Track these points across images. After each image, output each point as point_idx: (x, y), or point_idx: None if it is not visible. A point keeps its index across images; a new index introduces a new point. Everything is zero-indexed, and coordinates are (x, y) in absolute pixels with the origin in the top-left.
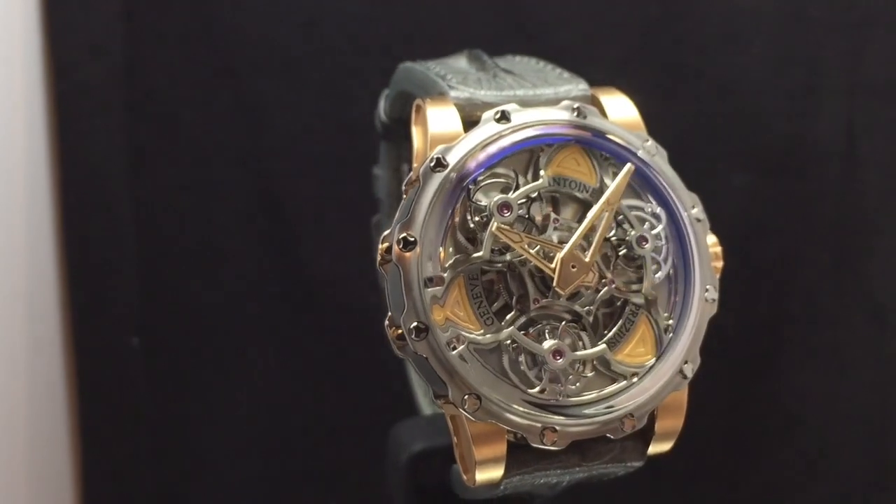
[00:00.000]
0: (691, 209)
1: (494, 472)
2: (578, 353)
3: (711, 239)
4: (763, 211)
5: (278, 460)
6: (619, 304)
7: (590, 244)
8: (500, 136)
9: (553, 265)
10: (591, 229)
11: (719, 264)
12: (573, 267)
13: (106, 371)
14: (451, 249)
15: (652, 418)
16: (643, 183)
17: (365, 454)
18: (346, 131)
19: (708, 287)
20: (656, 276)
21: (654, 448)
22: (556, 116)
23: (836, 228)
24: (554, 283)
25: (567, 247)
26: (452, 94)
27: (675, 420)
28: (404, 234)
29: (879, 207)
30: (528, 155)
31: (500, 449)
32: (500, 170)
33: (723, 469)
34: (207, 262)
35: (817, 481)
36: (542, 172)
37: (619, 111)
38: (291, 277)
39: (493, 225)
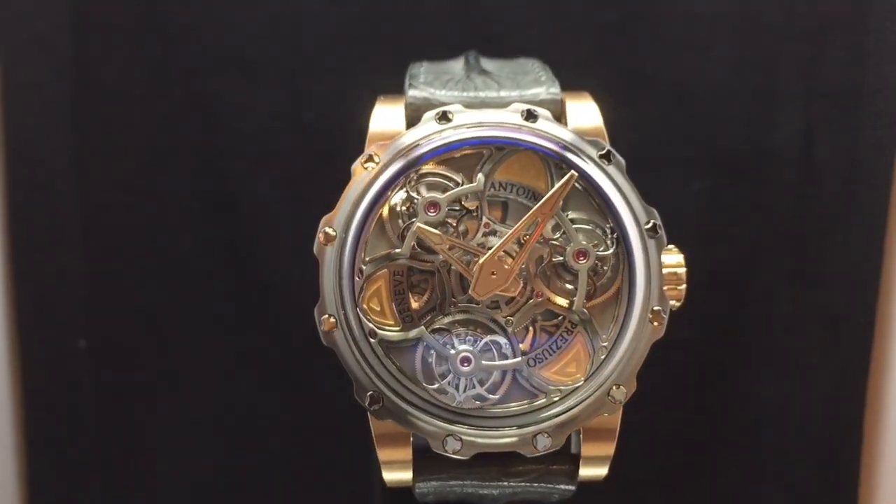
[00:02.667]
0: (645, 224)
1: (403, 475)
2: (489, 362)
3: (674, 259)
4: (719, 216)
5: (228, 463)
6: (558, 319)
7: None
8: (436, 135)
9: (473, 270)
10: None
11: (681, 287)
12: (493, 274)
13: (52, 373)
14: (375, 244)
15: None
16: (594, 193)
17: (319, 455)
18: (301, 131)
19: (655, 309)
20: (585, 297)
21: (587, 472)
22: (502, 119)
23: (792, 235)
24: (471, 289)
25: (488, 253)
26: (410, 93)
27: (605, 444)
28: (325, 228)
29: (836, 213)
30: (477, 158)
31: (405, 452)
32: (445, 171)
33: (679, 474)
34: (156, 263)
35: (772, 487)
36: (479, 176)
37: (581, 118)
38: (243, 278)
39: (415, 224)
